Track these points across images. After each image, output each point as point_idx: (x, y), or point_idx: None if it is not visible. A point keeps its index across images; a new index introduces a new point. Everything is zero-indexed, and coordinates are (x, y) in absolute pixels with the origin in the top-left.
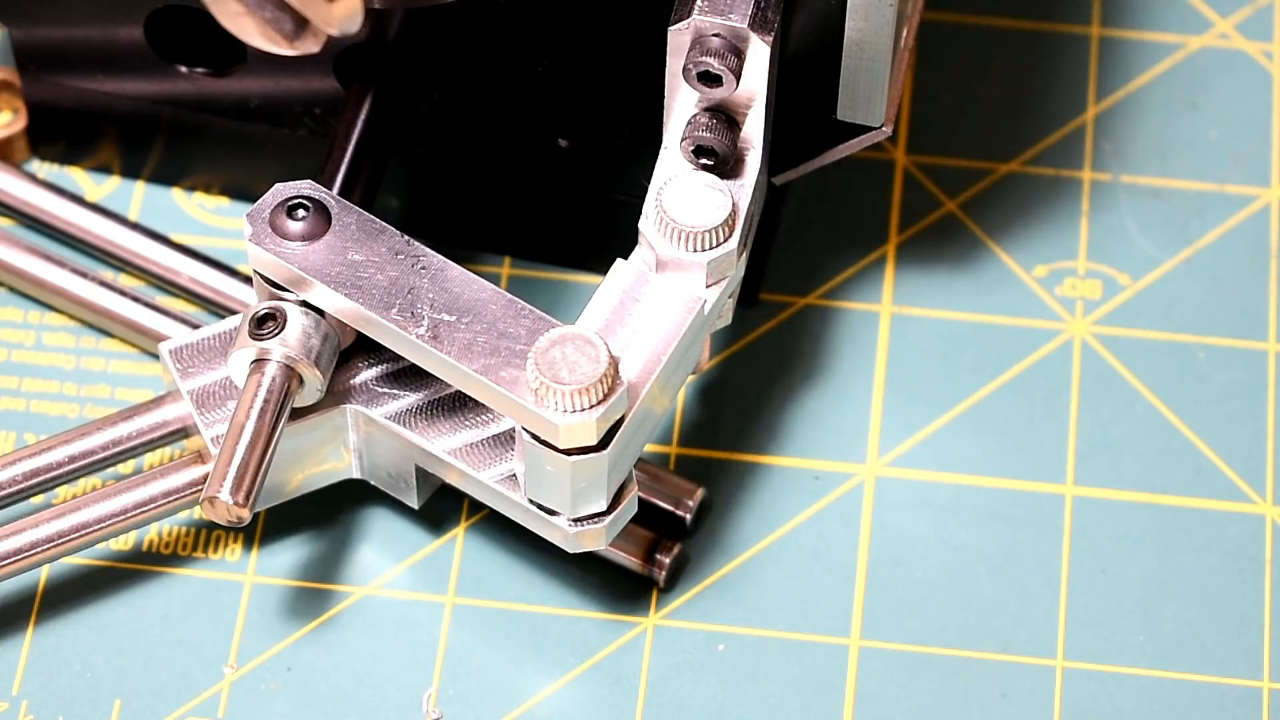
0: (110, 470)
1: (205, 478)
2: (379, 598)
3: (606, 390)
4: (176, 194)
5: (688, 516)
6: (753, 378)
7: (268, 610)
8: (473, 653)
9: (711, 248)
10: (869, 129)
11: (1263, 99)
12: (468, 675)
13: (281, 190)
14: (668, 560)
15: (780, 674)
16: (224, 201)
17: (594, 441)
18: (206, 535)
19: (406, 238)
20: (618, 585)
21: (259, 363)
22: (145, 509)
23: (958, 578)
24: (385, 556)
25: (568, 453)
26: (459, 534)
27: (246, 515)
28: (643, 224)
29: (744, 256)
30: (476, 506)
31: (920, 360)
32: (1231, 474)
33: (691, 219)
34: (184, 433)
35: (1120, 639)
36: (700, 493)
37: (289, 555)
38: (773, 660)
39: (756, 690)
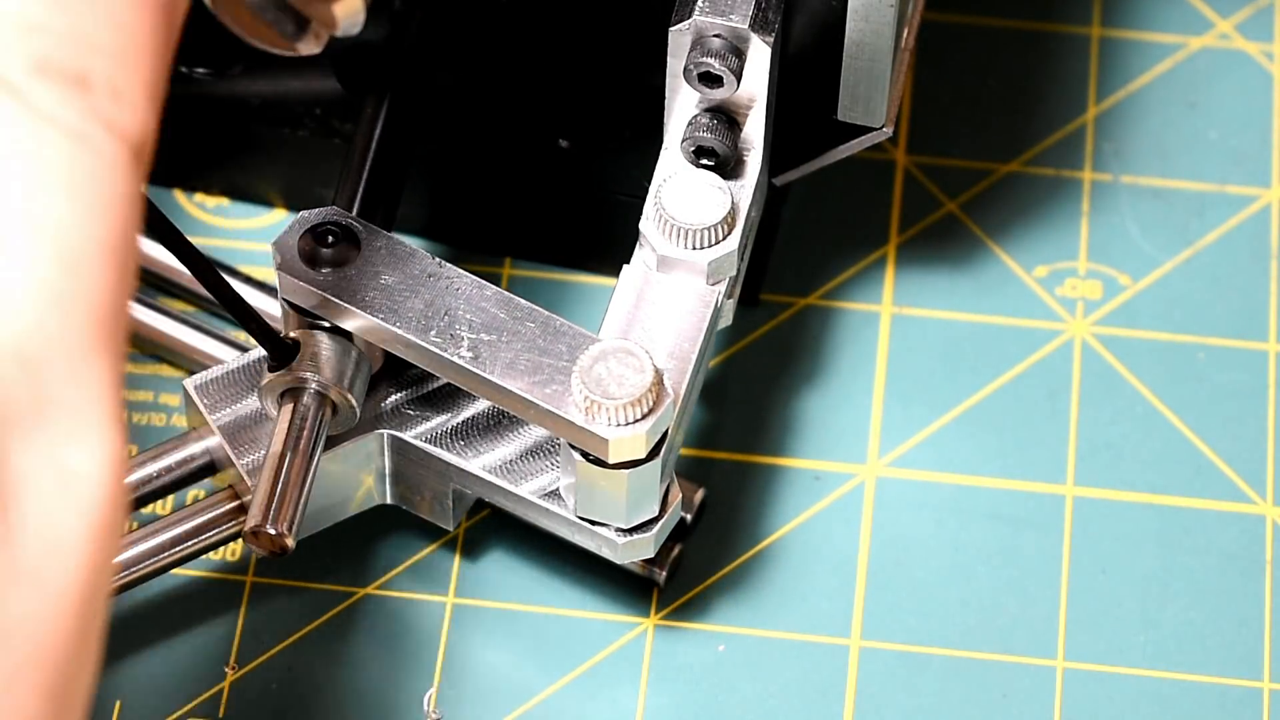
0: (135, 512)
1: (241, 510)
2: (379, 598)
3: (654, 401)
4: (177, 194)
5: (688, 516)
6: (753, 378)
7: (268, 610)
8: (473, 653)
9: (711, 245)
10: (869, 129)
11: (1263, 99)
12: (468, 675)
13: (307, 218)
14: (668, 560)
15: (780, 674)
16: (224, 202)
17: (643, 454)
18: None
19: (438, 259)
20: (618, 585)
21: (291, 392)
22: (184, 546)
23: (958, 578)
24: (386, 556)
25: (618, 466)
26: (459, 534)
27: (290, 544)
28: (643, 224)
29: (744, 257)
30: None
31: (920, 360)
32: (1231, 474)
33: (691, 217)
34: (212, 468)
35: (1120, 639)
36: (700, 493)
37: (289, 555)
38: (773, 660)
39: (756, 690)
